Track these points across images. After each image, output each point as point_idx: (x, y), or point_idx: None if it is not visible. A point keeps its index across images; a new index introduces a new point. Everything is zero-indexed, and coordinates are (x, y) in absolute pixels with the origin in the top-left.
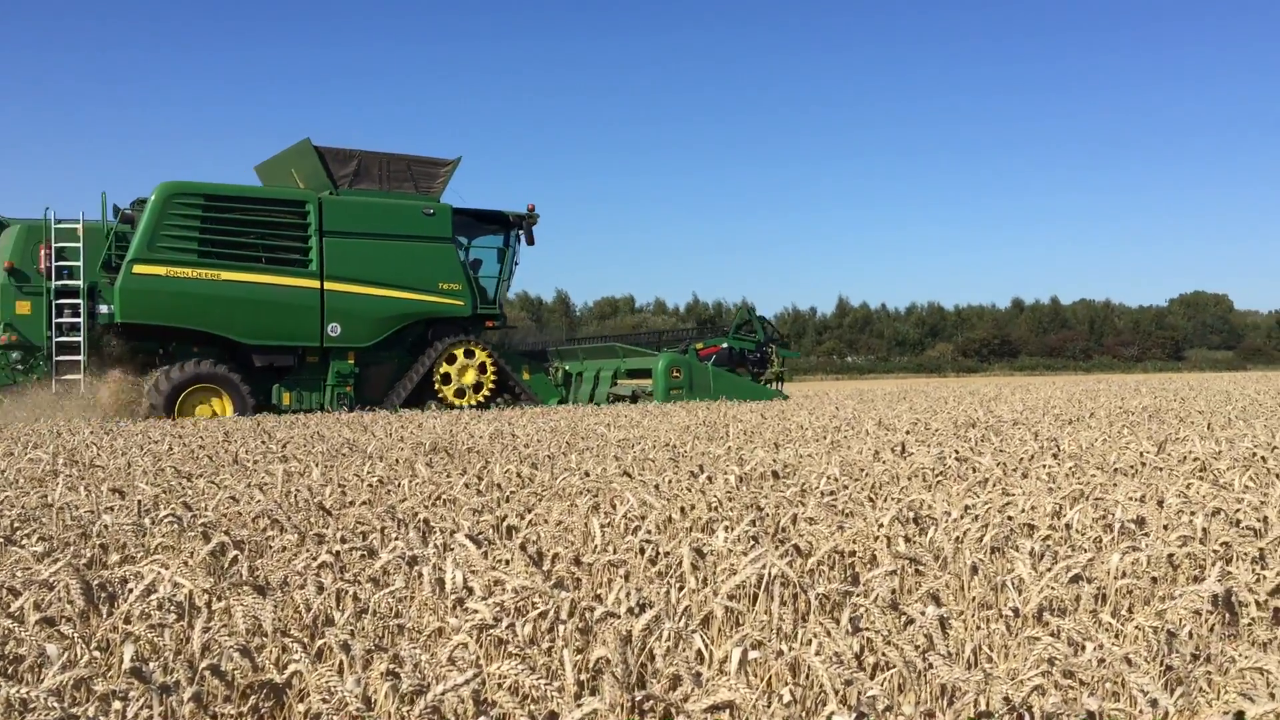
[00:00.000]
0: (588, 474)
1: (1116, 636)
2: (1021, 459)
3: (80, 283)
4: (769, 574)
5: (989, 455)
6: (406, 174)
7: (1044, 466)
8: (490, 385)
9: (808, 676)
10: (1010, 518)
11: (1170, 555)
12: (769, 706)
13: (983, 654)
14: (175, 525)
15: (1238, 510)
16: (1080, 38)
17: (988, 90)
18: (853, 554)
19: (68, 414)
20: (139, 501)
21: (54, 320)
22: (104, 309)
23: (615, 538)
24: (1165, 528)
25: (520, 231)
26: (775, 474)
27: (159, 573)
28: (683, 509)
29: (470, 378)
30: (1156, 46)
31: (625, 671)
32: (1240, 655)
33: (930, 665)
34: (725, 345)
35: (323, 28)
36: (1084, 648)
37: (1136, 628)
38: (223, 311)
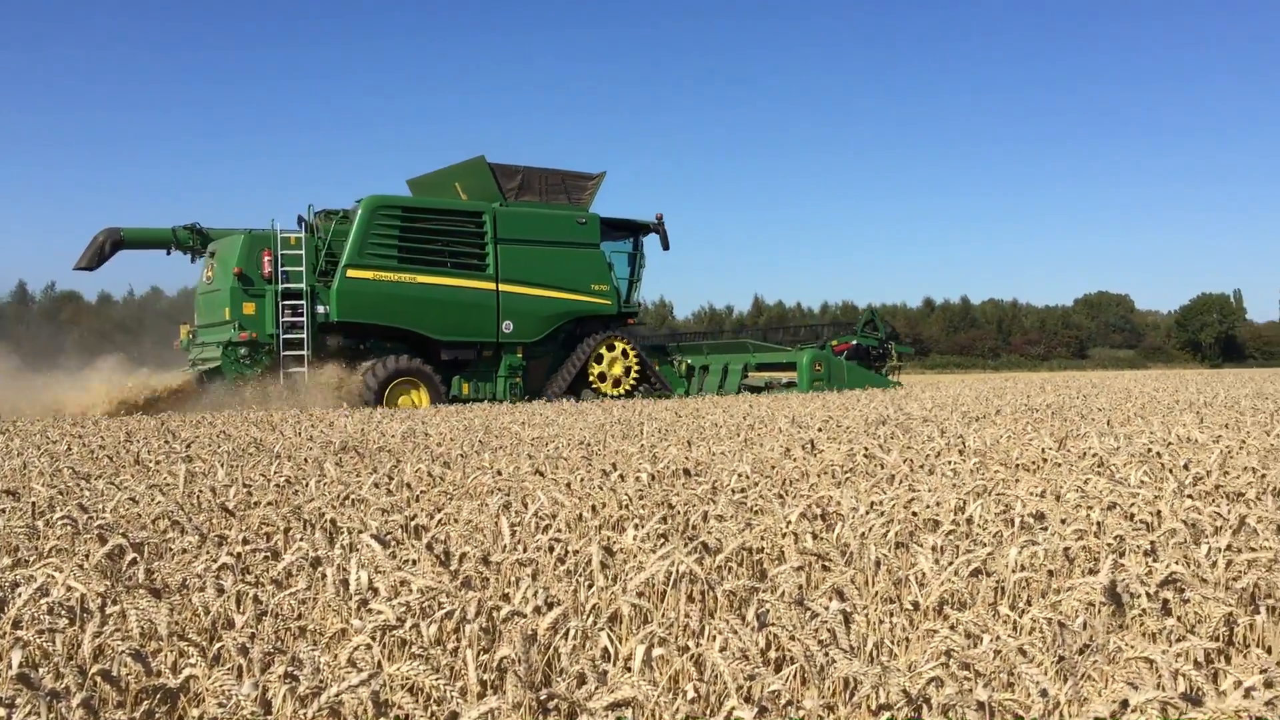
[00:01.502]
0: (500, 473)
1: (1014, 628)
2: (928, 455)
3: (303, 285)
4: (677, 571)
5: (896, 452)
6: (561, 187)
7: (949, 463)
8: (634, 376)
9: (713, 672)
10: (915, 513)
11: (1066, 549)
12: (673, 702)
13: (885, 648)
14: (70, 527)
15: (1132, 504)
16: (981, 42)
17: (898, 92)
18: (761, 550)
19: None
20: (33, 503)
21: (280, 319)
22: (320, 309)
23: (526, 536)
24: (1063, 522)
25: (644, 238)
26: (687, 471)
27: (51, 576)
28: (594, 507)
29: (618, 369)
30: (1056, 51)
31: (528, 670)
32: (1128, 645)
33: (832, 660)
34: (855, 342)
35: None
36: (981, 640)
37: (1032, 620)
38: (419, 310)
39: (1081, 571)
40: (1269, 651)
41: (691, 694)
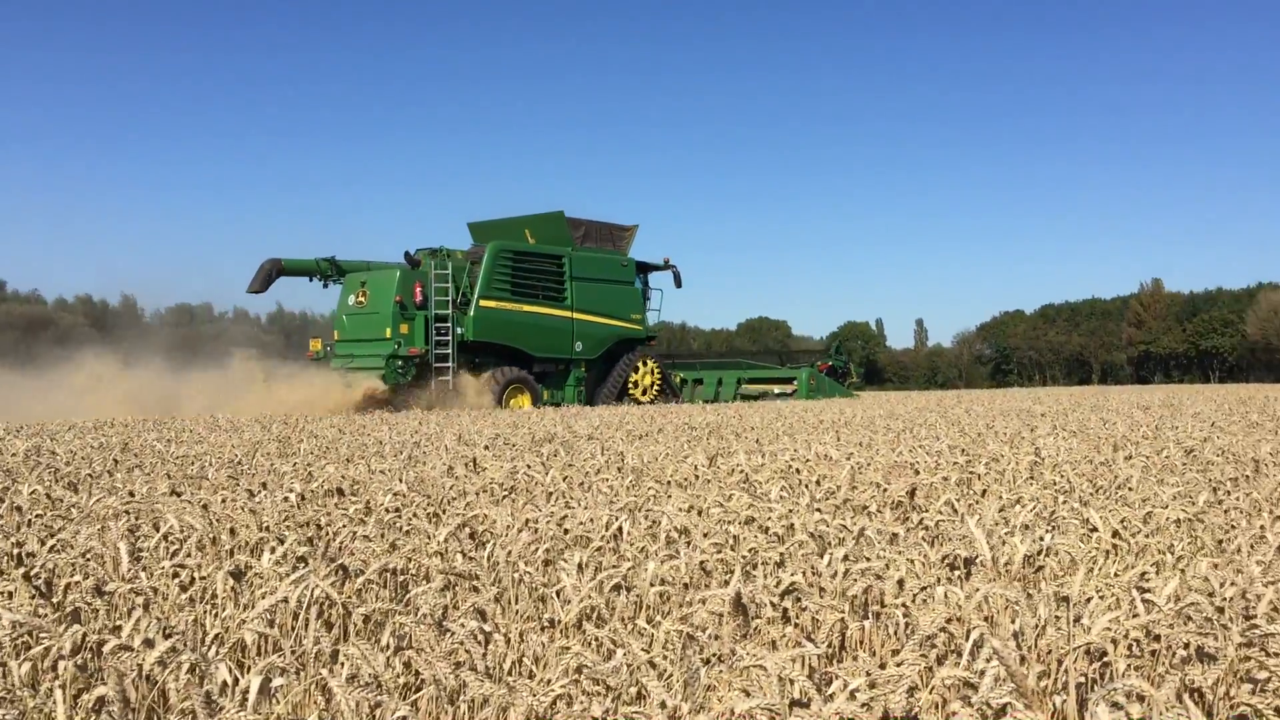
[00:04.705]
0: (132, 494)
1: (649, 642)
2: (588, 473)
3: (449, 311)
4: (311, 595)
5: (556, 469)
6: (609, 236)
7: (606, 480)
8: (657, 386)
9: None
10: (567, 530)
11: (703, 562)
12: None
13: (525, 666)
14: None
15: (768, 518)
16: (684, 77)
17: (594, 128)
18: (406, 572)
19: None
20: None
21: (433, 338)
22: (457, 330)
23: (151, 563)
24: (705, 535)
25: (651, 275)
26: (340, 491)
27: None
28: (232, 529)
29: (648, 381)
30: (714, 95)
31: (124, 710)
32: (747, 654)
33: (464, 682)
34: (831, 363)
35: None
36: (615, 654)
37: (666, 633)
38: (524, 333)
39: (718, 584)
40: (873, 655)
41: None
